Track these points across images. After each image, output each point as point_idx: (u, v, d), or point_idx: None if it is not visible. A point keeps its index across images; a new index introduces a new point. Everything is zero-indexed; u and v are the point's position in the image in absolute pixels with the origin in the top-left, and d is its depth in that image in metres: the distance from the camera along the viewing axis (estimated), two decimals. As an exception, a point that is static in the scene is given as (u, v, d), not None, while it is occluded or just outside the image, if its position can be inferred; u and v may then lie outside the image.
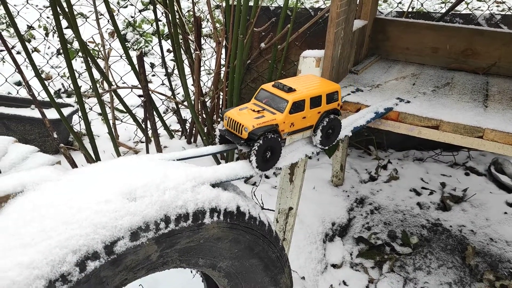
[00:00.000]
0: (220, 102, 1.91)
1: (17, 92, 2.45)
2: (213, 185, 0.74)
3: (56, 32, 3.38)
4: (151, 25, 3.54)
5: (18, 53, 3.09)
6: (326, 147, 0.91)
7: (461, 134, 1.01)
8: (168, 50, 3.05)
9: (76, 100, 2.46)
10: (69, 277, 0.55)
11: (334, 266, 1.50)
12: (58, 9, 1.36)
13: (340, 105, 0.89)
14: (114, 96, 1.88)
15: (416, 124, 1.05)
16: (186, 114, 2.31)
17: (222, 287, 0.89)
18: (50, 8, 3.92)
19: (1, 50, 3.20)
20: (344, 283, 1.44)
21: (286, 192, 1.17)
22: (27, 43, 3.29)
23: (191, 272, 1.24)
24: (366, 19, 1.42)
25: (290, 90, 0.82)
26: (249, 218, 0.78)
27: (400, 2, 2.58)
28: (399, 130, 1.07)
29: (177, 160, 0.81)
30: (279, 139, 0.80)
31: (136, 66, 1.77)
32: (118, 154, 1.73)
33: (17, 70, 2.05)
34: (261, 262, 0.86)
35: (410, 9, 2.08)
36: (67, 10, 1.42)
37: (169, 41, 3.06)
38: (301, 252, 1.44)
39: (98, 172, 0.68)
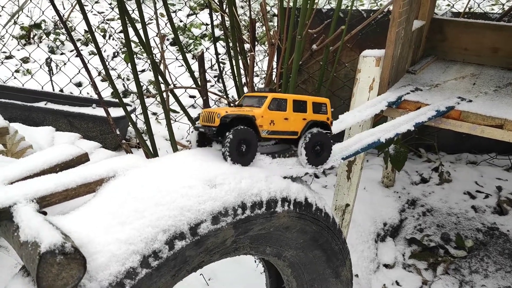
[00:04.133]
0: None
1: (80, 92, 2.60)
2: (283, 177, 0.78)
3: (113, 36, 3.55)
4: (206, 28, 3.65)
5: (77, 56, 3.27)
6: (317, 167, 0.84)
7: (527, 133, 1.00)
8: (217, 53, 3.13)
9: (133, 99, 2.58)
10: (160, 254, 0.60)
11: (386, 266, 1.50)
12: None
13: (331, 121, 0.85)
14: (170, 96, 1.95)
15: (479, 123, 1.04)
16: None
17: (286, 276, 0.93)
18: (103, 13, 4.10)
19: (61, 54, 3.39)
20: (397, 283, 1.44)
21: (343, 189, 1.19)
22: (86, 47, 3.47)
23: (255, 261, 1.28)
24: (424, 20, 1.42)
25: (271, 90, 0.82)
26: (315, 209, 0.81)
27: (451, 5, 2.54)
28: (460, 129, 1.07)
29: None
30: (254, 132, 0.75)
31: (192, 67, 1.84)
32: (175, 151, 1.81)
33: (84, 71, 2.17)
34: (324, 254, 0.88)
35: (466, 9, 2.05)
36: (134, 13, 1.51)
37: (218, 43, 3.14)
38: (354, 250, 1.45)
39: (179, 160, 0.73)
